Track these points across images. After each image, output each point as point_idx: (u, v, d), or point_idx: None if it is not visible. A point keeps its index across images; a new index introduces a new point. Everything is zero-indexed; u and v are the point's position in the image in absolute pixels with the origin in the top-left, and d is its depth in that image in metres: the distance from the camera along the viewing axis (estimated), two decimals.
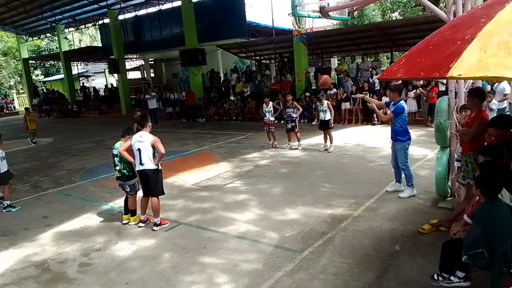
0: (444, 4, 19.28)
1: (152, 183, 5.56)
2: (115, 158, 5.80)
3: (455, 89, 5.46)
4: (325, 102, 9.89)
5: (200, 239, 5.16)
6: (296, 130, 10.27)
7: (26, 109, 17.46)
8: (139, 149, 5.47)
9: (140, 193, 5.86)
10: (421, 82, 12.67)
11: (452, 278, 3.54)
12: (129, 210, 5.94)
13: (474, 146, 4.64)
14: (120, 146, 5.71)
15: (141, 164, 5.50)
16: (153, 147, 5.50)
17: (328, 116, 9.74)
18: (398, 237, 4.81)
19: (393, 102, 6.08)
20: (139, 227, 5.73)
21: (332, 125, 9.97)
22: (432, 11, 6.03)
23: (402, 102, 6.18)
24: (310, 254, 4.51)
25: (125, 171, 5.79)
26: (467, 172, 4.74)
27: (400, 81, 9.54)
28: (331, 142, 9.85)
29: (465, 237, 3.44)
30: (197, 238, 5.20)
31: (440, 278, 3.58)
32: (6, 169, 7.25)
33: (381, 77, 3.21)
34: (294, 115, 10.25)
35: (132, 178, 5.82)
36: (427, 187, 6.41)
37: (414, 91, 12.70)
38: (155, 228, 5.58)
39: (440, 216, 5.14)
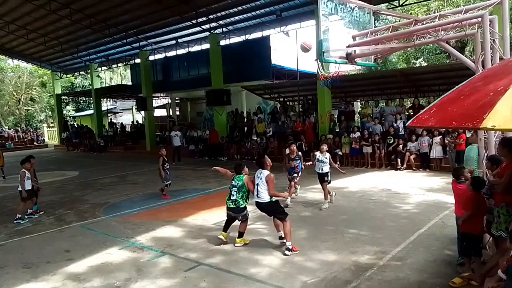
0: (470, 52, 19.40)
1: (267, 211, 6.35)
2: (233, 188, 6.29)
3: (485, 137, 5.37)
4: (327, 154, 8.84)
5: (220, 282, 5.05)
6: (296, 180, 9.35)
7: None
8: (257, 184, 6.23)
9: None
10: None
11: None
12: (225, 229, 6.50)
13: (506, 197, 4.50)
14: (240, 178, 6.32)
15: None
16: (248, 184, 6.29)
17: (326, 169, 8.69)
18: None
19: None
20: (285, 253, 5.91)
21: (330, 179, 8.85)
22: (459, 59, 6.09)
23: None
24: None
25: (241, 201, 6.24)
26: (499, 224, 4.56)
27: None
28: (325, 198, 8.72)
29: None
30: (217, 281, 5.10)
31: None
32: (31, 187, 8.87)
33: (410, 124, 3.21)
34: (300, 167, 9.24)
35: (244, 210, 6.35)
36: (456, 238, 6.15)
37: (440, 136, 12.52)
38: (287, 252, 5.87)
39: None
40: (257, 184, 6.22)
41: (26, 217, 8.80)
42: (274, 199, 6.22)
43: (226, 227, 6.52)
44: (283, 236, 6.23)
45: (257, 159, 6.53)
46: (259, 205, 6.30)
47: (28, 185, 8.79)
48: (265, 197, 6.16)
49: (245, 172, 6.46)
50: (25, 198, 8.74)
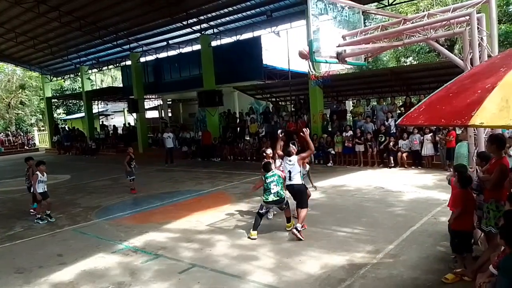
0: (459, 50, 19.58)
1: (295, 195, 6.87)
2: (271, 183, 6.66)
3: (475, 135, 5.42)
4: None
5: (214, 283, 5.05)
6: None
7: None
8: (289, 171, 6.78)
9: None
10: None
11: None
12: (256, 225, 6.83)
13: (495, 193, 4.56)
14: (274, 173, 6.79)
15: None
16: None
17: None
18: (420, 286, 4.63)
19: None
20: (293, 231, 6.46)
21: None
22: (448, 57, 6.14)
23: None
24: None
25: (281, 191, 6.71)
26: (489, 220, 4.63)
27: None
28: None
29: None
30: (211, 282, 5.09)
31: None
32: (43, 190, 8.81)
33: (400, 122, 3.24)
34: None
35: (285, 198, 6.86)
36: (448, 234, 6.21)
37: (431, 134, 12.62)
38: (294, 231, 6.40)
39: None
40: (289, 171, 6.72)
41: (44, 217, 8.85)
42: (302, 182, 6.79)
43: (256, 226, 6.78)
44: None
45: (283, 150, 7.16)
46: (292, 187, 6.76)
47: (40, 188, 8.77)
48: (297, 179, 6.70)
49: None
50: (39, 200, 8.81)
